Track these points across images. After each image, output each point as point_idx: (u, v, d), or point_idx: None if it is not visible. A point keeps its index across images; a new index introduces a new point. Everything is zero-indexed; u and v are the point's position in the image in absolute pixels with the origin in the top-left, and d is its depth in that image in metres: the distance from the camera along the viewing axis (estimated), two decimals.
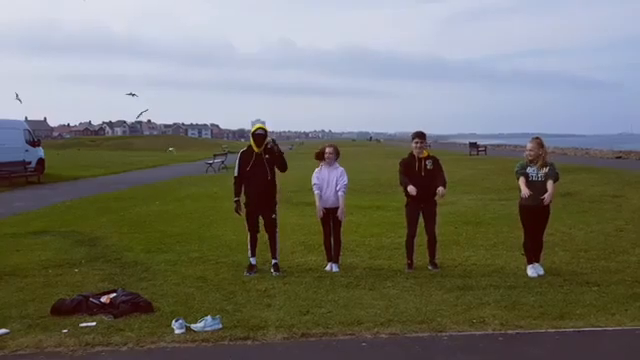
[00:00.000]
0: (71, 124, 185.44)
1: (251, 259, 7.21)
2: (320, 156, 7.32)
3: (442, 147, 68.62)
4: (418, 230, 7.29)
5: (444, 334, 4.92)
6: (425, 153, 7.19)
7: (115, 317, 5.41)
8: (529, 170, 6.74)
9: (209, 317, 5.13)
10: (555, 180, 6.69)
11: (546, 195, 6.55)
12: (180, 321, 5.08)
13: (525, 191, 6.58)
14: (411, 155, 7.22)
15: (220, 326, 5.07)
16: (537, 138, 6.88)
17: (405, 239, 7.34)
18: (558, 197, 9.99)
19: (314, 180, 7.29)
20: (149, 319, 5.34)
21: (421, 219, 7.27)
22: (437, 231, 7.32)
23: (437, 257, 7.30)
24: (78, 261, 7.87)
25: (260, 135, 7.11)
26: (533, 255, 6.92)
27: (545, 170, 6.68)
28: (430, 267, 7.16)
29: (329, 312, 5.50)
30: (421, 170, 7.10)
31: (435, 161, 7.18)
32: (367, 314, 5.41)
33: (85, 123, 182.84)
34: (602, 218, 10.89)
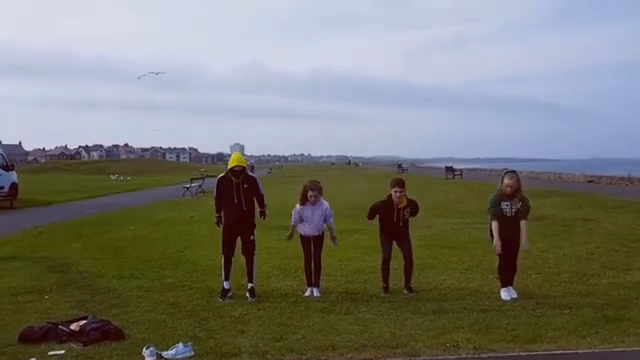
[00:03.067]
0: (47, 148, 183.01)
1: (224, 283, 7.14)
2: (304, 199, 7.18)
3: (419, 171, 69.13)
4: (394, 254, 7.33)
5: (418, 358, 4.92)
6: (404, 202, 7.19)
7: (85, 345, 5.29)
8: (503, 205, 6.78)
9: (181, 344, 5.05)
10: (527, 215, 6.82)
11: (523, 242, 6.74)
12: (151, 348, 4.99)
13: (498, 246, 6.74)
14: (390, 199, 7.17)
15: (192, 353, 4.99)
16: (515, 173, 6.86)
17: (381, 263, 7.37)
18: (532, 221, 10.09)
19: (294, 216, 7.23)
20: (120, 347, 5.24)
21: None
22: (413, 254, 7.36)
23: (412, 281, 7.33)
24: (49, 287, 7.70)
25: (238, 172, 7.09)
26: (507, 278, 6.99)
27: (518, 206, 6.77)
28: (405, 291, 7.18)
29: (303, 338, 5.46)
30: (399, 220, 7.18)
31: (413, 209, 7.25)
32: (342, 339, 5.38)
33: (61, 147, 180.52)
34: (574, 241, 11.06)
